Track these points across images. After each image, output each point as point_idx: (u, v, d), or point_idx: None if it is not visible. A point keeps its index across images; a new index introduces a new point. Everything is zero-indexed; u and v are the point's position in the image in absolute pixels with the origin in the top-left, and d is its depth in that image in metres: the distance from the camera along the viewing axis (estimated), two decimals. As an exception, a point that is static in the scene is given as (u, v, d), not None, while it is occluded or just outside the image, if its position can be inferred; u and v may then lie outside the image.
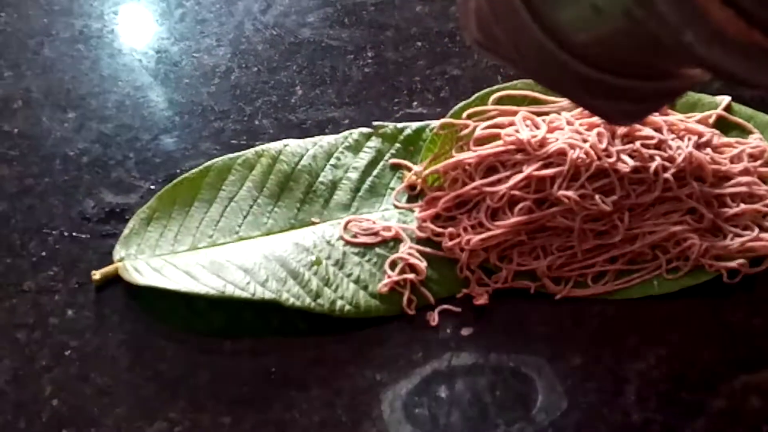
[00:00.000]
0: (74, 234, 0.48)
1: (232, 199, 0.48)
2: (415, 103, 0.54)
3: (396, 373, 0.44)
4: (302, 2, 0.60)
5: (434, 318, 0.45)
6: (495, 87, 0.51)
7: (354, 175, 0.49)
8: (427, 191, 0.49)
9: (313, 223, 0.48)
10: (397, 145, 0.51)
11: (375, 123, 0.51)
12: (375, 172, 0.50)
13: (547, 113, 0.49)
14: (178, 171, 0.51)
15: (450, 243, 0.46)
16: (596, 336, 0.45)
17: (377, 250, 0.47)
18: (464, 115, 0.49)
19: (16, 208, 0.50)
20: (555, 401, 0.43)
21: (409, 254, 0.46)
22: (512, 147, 0.47)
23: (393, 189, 0.49)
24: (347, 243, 0.47)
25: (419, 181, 0.49)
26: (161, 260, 0.46)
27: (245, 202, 0.48)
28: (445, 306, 0.46)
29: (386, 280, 0.46)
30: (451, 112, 0.50)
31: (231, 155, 0.50)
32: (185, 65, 0.56)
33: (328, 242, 0.47)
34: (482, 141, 0.48)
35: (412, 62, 0.57)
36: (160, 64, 0.57)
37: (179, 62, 0.57)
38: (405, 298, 0.45)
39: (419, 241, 0.47)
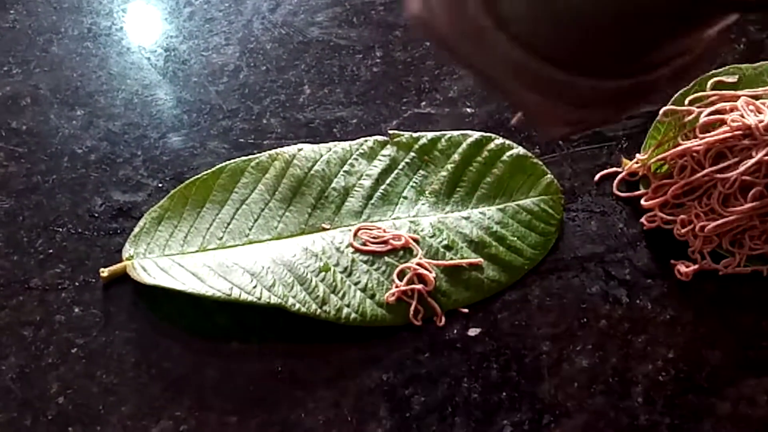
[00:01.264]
0: (81, 231, 0.48)
1: (244, 201, 0.48)
2: (423, 103, 0.54)
3: (402, 374, 0.44)
4: (311, 1, 0.60)
5: (441, 319, 0.45)
6: (711, 72, 0.51)
7: (367, 183, 0.49)
8: (652, 179, 0.49)
9: (324, 229, 0.48)
10: (412, 153, 0.50)
11: (391, 131, 0.51)
12: (388, 180, 0.50)
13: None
14: (185, 169, 0.51)
15: (683, 230, 0.47)
16: (603, 338, 0.45)
17: (386, 258, 0.47)
18: (686, 101, 0.49)
19: (23, 205, 0.50)
20: (561, 403, 0.43)
21: (419, 264, 0.46)
22: (739, 132, 0.47)
23: (406, 198, 0.49)
24: (356, 250, 0.47)
25: (642, 169, 0.50)
26: (169, 260, 0.46)
27: (257, 205, 0.48)
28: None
29: (394, 290, 0.45)
30: (673, 99, 0.50)
31: (245, 157, 0.50)
32: (194, 64, 0.56)
33: (338, 249, 0.47)
34: (706, 127, 0.48)
35: (421, 62, 0.57)
36: (169, 62, 0.56)
37: (188, 60, 0.57)
38: (412, 309, 0.45)
39: (429, 251, 0.47)
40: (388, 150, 0.51)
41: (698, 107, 0.49)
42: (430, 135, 0.51)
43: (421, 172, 0.50)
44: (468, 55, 0.34)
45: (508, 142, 0.51)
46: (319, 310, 0.44)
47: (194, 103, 0.54)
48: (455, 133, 0.51)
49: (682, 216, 0.48)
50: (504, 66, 0.32)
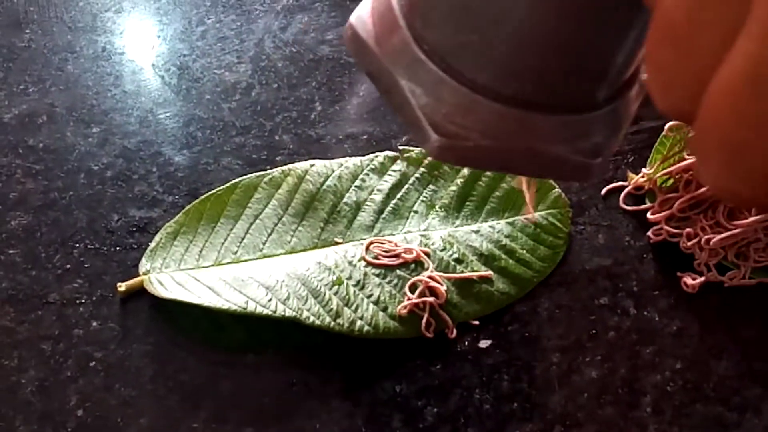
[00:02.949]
0: (98, 247, 0.49)
1: (258, 216, 0.49)
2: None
3: (415, 385, 0.45)
4: (321, 20, 0.61)
5: (452, 331, 0.46)
6: None
7: (378, 197, 0.50)
8: (658, 193, 0.50)
9: (336, 243, 0.49)
10: (422, 169, 0.51)
11: (401, 147, 0.52)
12: (399, 195, 0.50)
13: None
14: (200, 185, 0.52)
15: (689, 243, 0.48)
16: (612, 349, 0.46)
17: (398, 272, 0.48)
18: None
19: (41, 221, 0.50)
20: (572, 414, 0.44)
21: (430, 277, 0.47)
22: None
23: (417, 212, 0.50)
24: (369, 264, 0.48)
25: (648, 183, 0.51)
26: (185, 274, 0.47)
27: (270, 220, 0.49)
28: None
29: (406, 302, 0.46)
30: None
31: (258, 173, 0.50)
32: (207, 81, 0.57)
33: (350, 263, 0.48)
34: None
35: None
36: (182, 80, 0.57)
37: (201, 78, 0.58)
38: (424, 321, 0.46)
39: (440, 264, 0.48)
40: (399, 165, 0.51)
41: None
42: (439, 150, 0.52)
43: (431, 186, 0.51)
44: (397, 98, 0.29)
45: (516, 157, 0.52)
46: (332, 323, 0.45)
47: (207, 120, 0.55)
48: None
49: (687, 229, 0.49)
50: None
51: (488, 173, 0.51)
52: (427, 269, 0.47)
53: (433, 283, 0.47)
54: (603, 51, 0.26)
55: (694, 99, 0.18)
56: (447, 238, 0.49)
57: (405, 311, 0.46)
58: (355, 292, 0.47)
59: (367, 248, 0.48)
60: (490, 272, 0.48)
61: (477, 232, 0.49)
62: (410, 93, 0.27)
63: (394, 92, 0.28)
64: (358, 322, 0.45)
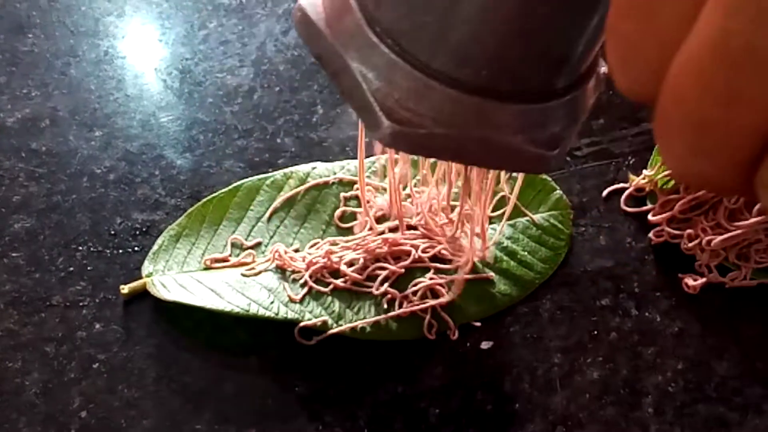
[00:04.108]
0: (101, 250, 0.50)
1: (260, 219, 0.49)
2: (433, 122, 0.55)
3: (417, 387, 0.45)
4: (322, 23, 0.61)
5: (454, 332, 0.46)
6: None
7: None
8: (659, 194, 0.51)
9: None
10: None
11: None
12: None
13: None
14: (202, 188, 0.52)
15: (690, 244, 0.48)
16: (614, 350, 0.46)
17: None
18: None
19: (44, 224, 0.51)
20: (573, 414, 0.44)
21: (432, 279, 0.47)
22: None
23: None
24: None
25: (649, 184, 0.51)
26: (188, 277, 0.47)
27: (272, 222, 0.49)
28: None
29: (407, 305, 0.46)
30: None
31: (260, 176, 0.51)
32: (209, 85, 0.58)
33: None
34: None
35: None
36: (184, 84, 0.58)
37: (203, 82, 0.58)
38: (426, 323, 0.46)
39: (442, 266, 0.48)
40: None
41: None
42: (441, 153, 0.52)
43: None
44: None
45: (517, 159, 0.52)
46: (335, 325, 0.45)
47: (210, 124, 0.55)
48: None
49: (689, 230, 0.49)
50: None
51: (488, 176, 0.51)
52: (429, 271, 0.48)
53: (435, 285, 0.47)
54: (563, 37, 0.24)
55: (656, 76, 0.17)
56: (449, 239, 0.49)
57: (407, 313, 0.46)
58: (357, 293, 0.47)
59: (369, 250, 0.48)
60: (492, 274, 0.48)
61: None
62: (361, 77, 0.26)
63: (344, 76, 0.27)
64: (361, 324, 0.46)
